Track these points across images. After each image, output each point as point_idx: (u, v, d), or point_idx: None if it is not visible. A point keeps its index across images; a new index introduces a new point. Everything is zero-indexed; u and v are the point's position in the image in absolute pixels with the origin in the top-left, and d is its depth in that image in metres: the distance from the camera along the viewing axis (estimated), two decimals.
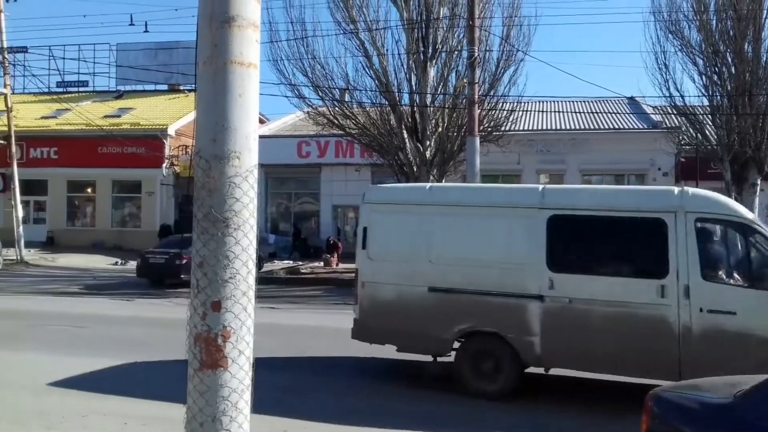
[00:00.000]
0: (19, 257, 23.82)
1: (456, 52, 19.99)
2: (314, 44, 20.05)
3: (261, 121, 31.95)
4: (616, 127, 27.12)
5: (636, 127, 27.10)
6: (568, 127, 27.24)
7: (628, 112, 28.52)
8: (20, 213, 24.95)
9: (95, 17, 66.92)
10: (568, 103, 28.63)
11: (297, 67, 20.08)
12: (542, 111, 27.18)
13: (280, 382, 7.68)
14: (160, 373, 7.71)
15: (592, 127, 27.18)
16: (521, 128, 25.75)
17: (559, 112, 27.59)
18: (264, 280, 18.43)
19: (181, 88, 34.32)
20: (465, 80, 18.97)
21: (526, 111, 25.37)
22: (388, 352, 8.17)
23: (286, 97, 22.91)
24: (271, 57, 20.09)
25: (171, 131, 29.52)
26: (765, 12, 19.79)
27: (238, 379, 2.36)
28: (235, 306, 2.38)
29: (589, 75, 72.58)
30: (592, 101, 28.64)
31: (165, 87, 34.88)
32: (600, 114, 27.91)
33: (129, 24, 45.63)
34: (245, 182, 2.47)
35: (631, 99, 28.84)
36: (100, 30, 74.02)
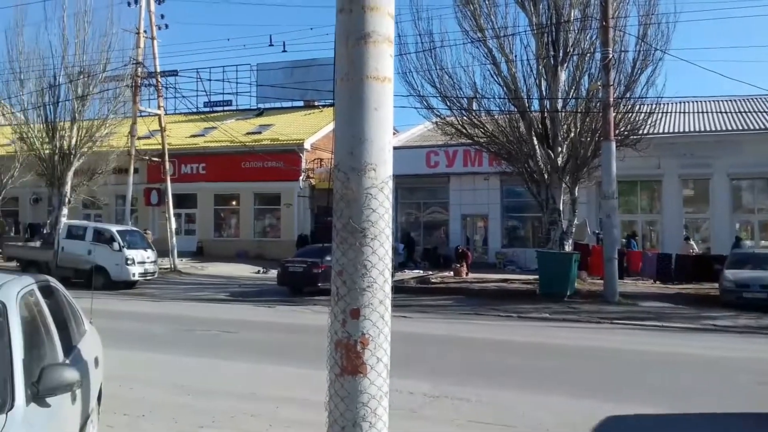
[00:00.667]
0: (172, 266, 25.78)
1: (588, 55, 19.36)
2: (442, 55, 20.22)
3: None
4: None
5: None
6: (713, 129, 25.41)
7: None
8: (173, 225, 27.07)
9: (238, 40, 71.44)
10: (712, 102, 26.78)
11: (425, 79, 20.30)
12: (684, 112, 25.65)
13: (415, 390, 7.75)
14: (306, 378, 7.99)
15: (740, 127, 25.16)
16: (661, 131, 24.39)
17: (703, 112, 25.90)
18: (395, 289, 18.63)
19: (316, 103, 35.79)
20: (599, 83, 18.29)
21: (666, 112, 23.99)
22: None
23: (415, 108, 23.18)
24: (400, 69, 20.47)
25: (307, 145, 30.84)
26: None
27: (377, 385, 2.42)
28: (373, 314, 2.45)
29: (736, 72, 67.20)
30: (739, 100, 26.59)
31: (301, 103, 36.54)
32: (749, 113, 25.79)
33: (269, 45, 47.95)
34: (381, 193, 2.54)
35: None
36: (243, 52, 78.71)
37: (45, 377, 3.04)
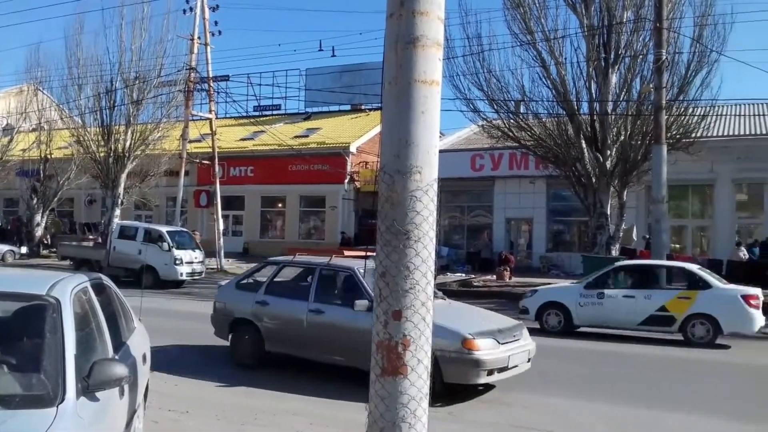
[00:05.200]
0: (219, 266, 26.23)
1: (641, 56, 18.95)
2: (490, 58, 20.04)
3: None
4: None
5: None
6: None
7: None
8: (221, 226, 27.56)
9: (289, 45, 72.49)
10: None
11: (472, 82, 20.17)
12: (740, 115, 24.91)
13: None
14: (351, 380, 8.02)
15: None
16: (715, 134, 23.71)
17: (760, 115, 25.10)
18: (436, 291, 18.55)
19: (363, 107, 35.98)
20: (651, 85, 17.89)
21: (721, 115, 23.31)
22: None
23: (461, 111, 23.03)
24: (447, 73, 20.37)
25: (353, 149, 31.05)
26: None
27: (417, 387, 2.43)
28: (415, 316, 2.46)
29: None
30: None
31: (348, 107, 36.79)
32: None
33: (318, 50, 48.35)
34: (425, 196, 2.55)
35: None
36: (293, 56, 79.22)
37: (95, 372, 3.14)
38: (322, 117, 37.05)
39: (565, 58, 19.33)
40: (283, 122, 35.92)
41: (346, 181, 30.83)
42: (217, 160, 27.60)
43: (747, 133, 24.92)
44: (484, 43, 19.96)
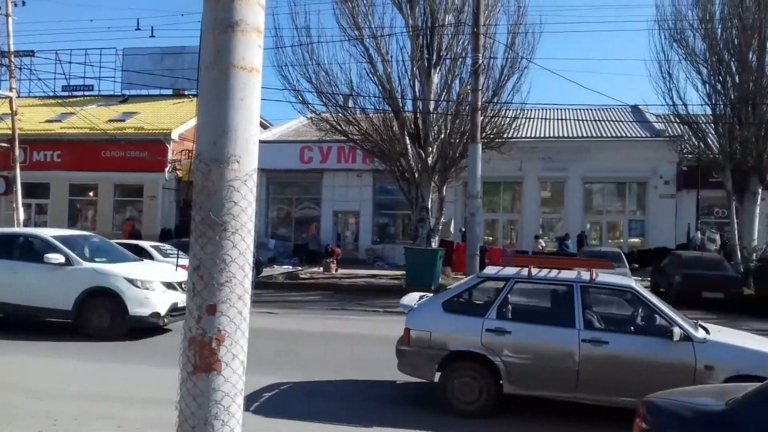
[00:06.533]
0: None
1: (460, 59, 20.05)
2: (319, 50, 20.16)
3: (263, 126, 32.01)
4: (619, 135, 27.14)
5: (639, 135, 27.11)
6: (571, 135, 27.25)
7: (632, 120, 28.58)
8: (21, 216, 24.94)
9: (102, 22, 67.08)
10: (571, 110, 28.66)
11: (301, 73, 20.17)
12: (545, 118, 27.24)
13: (278, 385, 7.68)
14: (154, 378, 7.65)
15: (595, 135, 27.19)
16: (524, 135, 25.78)
17: (562, 119, 27.64)
18: (262, 284, 18.41)
19: (186, 92, 34.42)
20: (468, 87, 19.02)
21: (530, 118, 25.41)
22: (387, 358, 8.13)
23: (290, 102, 22.98)
24: (275, 63, 20.16)
25: (174, 135, 29.60)
26: None
27: (231, 382, 2.35)
28: (231, 310, 2.37)
29: (592, 83, 72.66)
30: (595, 109, 28.67)
31: (170, 92, 35.00)
32: (603, 122, 27.94)
33: (135, 29, 45.60)
34: (244, 186, 2.47)
35: (635, 107, 28.89)
36: (107, 34, 74.27)
37: None
38: (140, 101, 34.83)
39: (392, 56, 19.95)
40: (97, 104, 33.31)
41: (167, 169, 29.34)
42: (17, 142, 24.98)
43: (551, 135, 27.42)
44: (313, 35, 20.05)
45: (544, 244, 24.87)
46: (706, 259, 18.54)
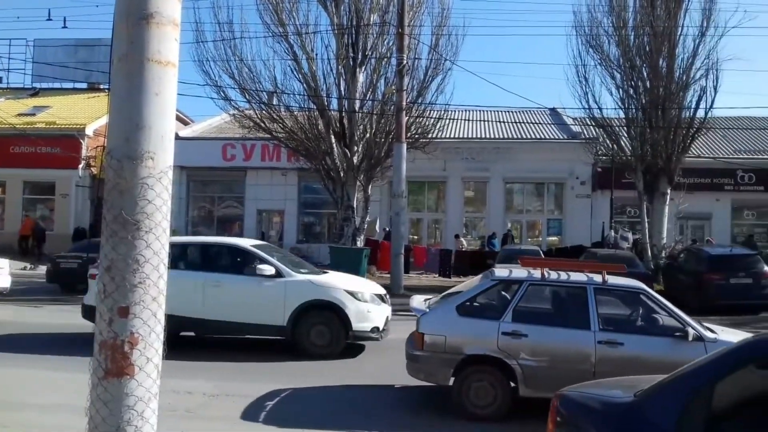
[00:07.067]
0: None
1: (385, 59, 20.14)
2: (242, 46, 19.81)
3: (184, 122, 31.15)
4: (538, 137, 27.99)
5: (557, 137, 28.02)
6: (492, 136, 27.87)
7: (550, 122, 29.50)
8: None
9: (10, 11, 63.54)
10: (493, 112, 29.28)
11: (223, 69, 19.77)
12: (468, 120, 27.72)
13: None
14: (74, 382, 7.31)
15: (515, 136, 27.92)
16: (447, 136, 26.17)
17: (484, 121, 28.19)
18: None
19: (102, 86, 33.00)
20: (393, 87, 19.14)
21: (453, 119, 25.80)
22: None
23: (212, 98, 22.42)
24: (196, 58, 19.69)
25: (89, 131, 28.38)
26: (680, 29, 20.86)
27: (145, 387, 2.27)
28: (144, 312, 2.29)
29: (513, 86, 74.71)
30: (516, 111, 29.43)
31: (85, 85, 33.52)
32: (523, 124, 28.70)
33: (47, 19, 43.41)
34: (159, 183, 2.39)
35: (553, 110, 29.82)
36: (16, 24, 70.38)
37: None
38: (52, 94, 33.14)
39: (317, 54, 19.83)
40: (5, 97, 31.52)
41: (81, 166, 28.08)
42: None
43: (474, 136, 27.96)
44: (236, 31, 19.69)
45: (465, 243, 25.37)
46: (619, 257, 19.33)
